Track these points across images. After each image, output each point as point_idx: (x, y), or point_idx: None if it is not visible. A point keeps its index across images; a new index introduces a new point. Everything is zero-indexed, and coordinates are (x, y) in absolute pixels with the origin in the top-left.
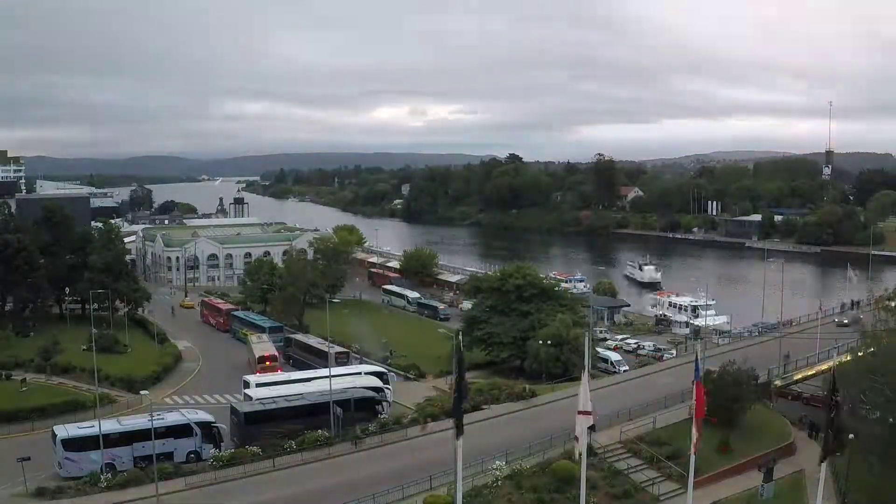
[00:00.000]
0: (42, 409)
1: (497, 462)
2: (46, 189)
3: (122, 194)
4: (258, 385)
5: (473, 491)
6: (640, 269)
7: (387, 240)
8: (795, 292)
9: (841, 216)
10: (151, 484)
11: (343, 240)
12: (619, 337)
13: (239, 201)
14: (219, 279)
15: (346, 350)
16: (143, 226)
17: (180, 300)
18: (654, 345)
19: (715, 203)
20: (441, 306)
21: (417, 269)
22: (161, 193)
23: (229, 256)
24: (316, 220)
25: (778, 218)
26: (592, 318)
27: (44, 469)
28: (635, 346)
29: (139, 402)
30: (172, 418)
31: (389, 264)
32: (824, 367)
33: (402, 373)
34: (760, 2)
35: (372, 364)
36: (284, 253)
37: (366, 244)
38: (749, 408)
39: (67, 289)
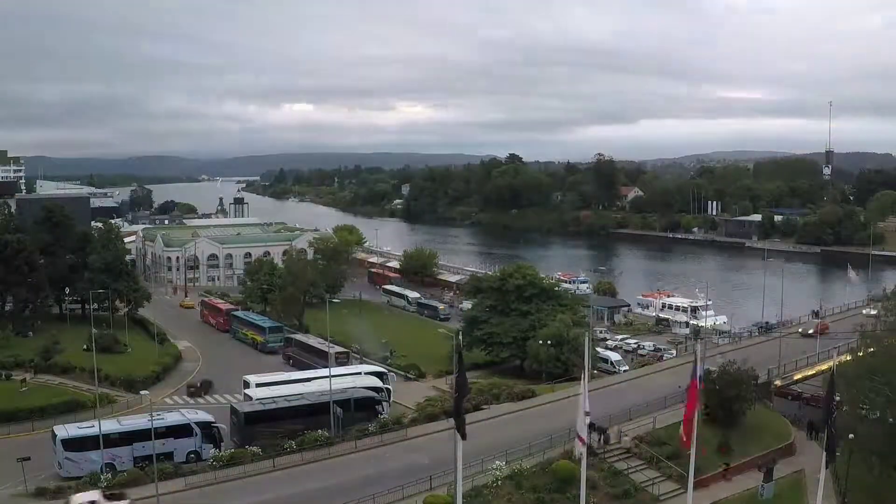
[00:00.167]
0: (42, 409)
1: (497, 462)
2: (46, 189)
3: (122, 194)
4: (258, 385)
5: (473, 491)
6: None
7: (387, 240)
8: (795, 292)
9: (841, 216)
10: (151, 484)
11: (343, 240)
12: (619, 337)
13: (239, 201)
14: (219, 279)
15: (346, 350)
16: (143, 226)
17: (180, 300)
18: (654, 345)
19: (715, 203)
20: (441, 306)
21: (417, 269)
22: (161, 193)
23: (229, 256)
24: (316, 220)
25: (778, 218)
26: (592, 318)
27: (44, 469)
28: (635, 346)
29: (139, 402)
30: (172, 418)
31: (389, 264)
32: (824, 367)
33: (402, 373)
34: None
35: (372, 364)
36: (284, 253)
37: (366, 244)
38: (749, 408)
39: (67, 289)
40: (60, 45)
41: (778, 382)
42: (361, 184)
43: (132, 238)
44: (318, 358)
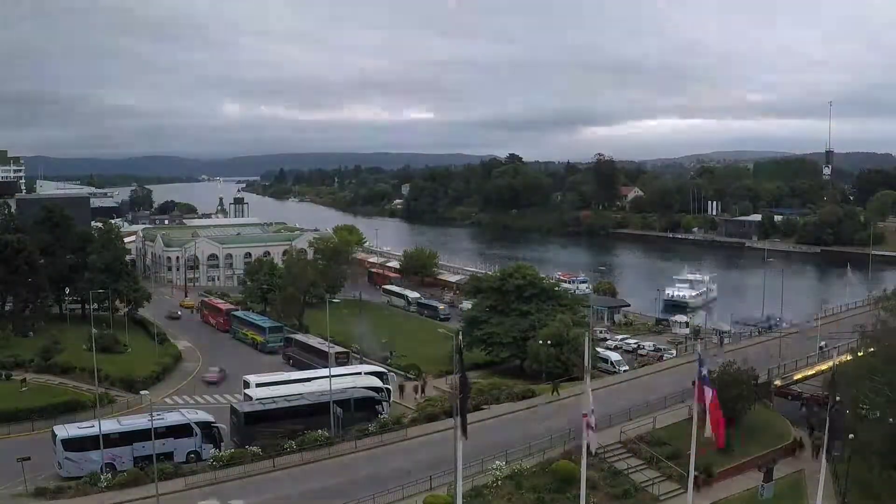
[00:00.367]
0: (42, 409)
1: (497, 462)
2: (46, 189)
3: (122, 194)
4: (258, 385)
5: (473, 491)
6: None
7: (387, 240)
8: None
9: (841, 216)
10: (151, 484)
11: (343, 240)
12: (619, 337)
13: (239, 201)
14: (219, 279)
15: (346, 350)
16: (143, 226)
17: (180, 300)
18: (654, 345)
19: (715, 203)
20: (441, 306)
21: (417, 269)
22: (161, 193)
23: (229, 256)
24: (316, 220)
25: (778, 218)
26: (592, 318)
27: (44, 469)
28: (635, 346)
29: (139, 402)
30: (172, 418)
31: (389, 264)
32: (824, 367)
33: (402, 373)
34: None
35: (372, 364)
36: (284, 253)
37: (366, 244)
38: (749, 408)
39: (67, 289)
40: (58, 43)
41: (778, 382)
42: (361, 184)
43: (132, 238)
44: (318, 358)
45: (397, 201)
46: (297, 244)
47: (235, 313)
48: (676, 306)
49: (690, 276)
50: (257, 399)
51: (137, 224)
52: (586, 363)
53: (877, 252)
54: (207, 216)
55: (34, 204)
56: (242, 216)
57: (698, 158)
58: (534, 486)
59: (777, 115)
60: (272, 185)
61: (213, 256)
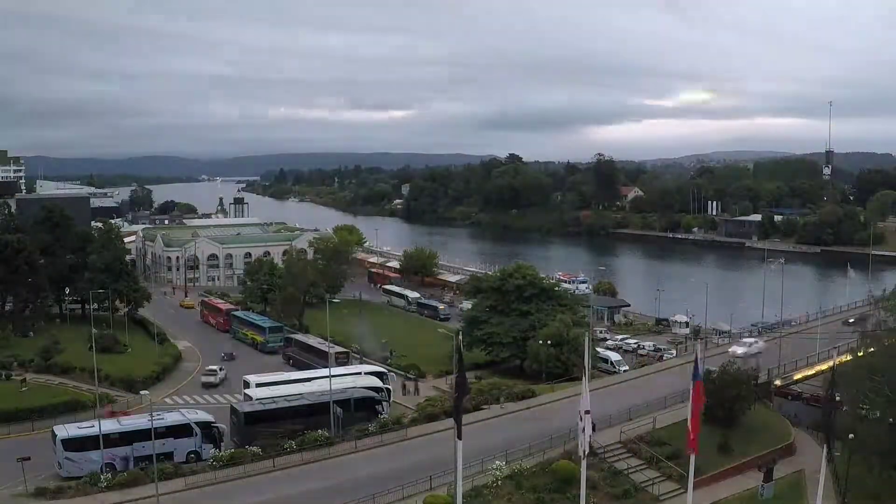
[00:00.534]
0: (42, 409)
1: (497, 462)
2: (46, 189)
3: (122, 194)
4: (258, 385)
5: (473, 491)
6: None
7: (387, 240)
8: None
9: (841, 216)
10: (151, 484)
11: (343, 240)
12: (619, 337)
13: (239, 201)
14: (219, 279)
15: (346, 350)
16: (143, 226)
17: (180, 300)
18: (654, 345)
19: (715, 203)
20: (441, 306)
21: (417, 269)
22: (161, 193)
23: (229, 256)
24: (316, 220)
25: (778, 218)
26: (592, 318)
27: (44, 469)
28: (635, 346)
29: (139, 402)
30: (172, 418)
31: (389, 264)
32: (824, 367)
33: (401, 373)
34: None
35: (372, 364)
36: (284, 253)
37: (366, 244)
38: (749, 408)
39: (67, 289)
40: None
41: (778, 382)
42: (361, 184)
43: (132, 238)
44: (318, 358)
45: (397, 201)
46: (297, 244)
47: (235, 313)
48: None
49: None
50: (257, 399)
51: (137, 224)
52: (586, 363)
53: (877, 252)
54: (207, 216)
55: (34, 204)
56: (242, 216)
57: (698, 158)
58: (534, 486)
59: (777, 115)
60: (272, 185)
61: (213, 256)
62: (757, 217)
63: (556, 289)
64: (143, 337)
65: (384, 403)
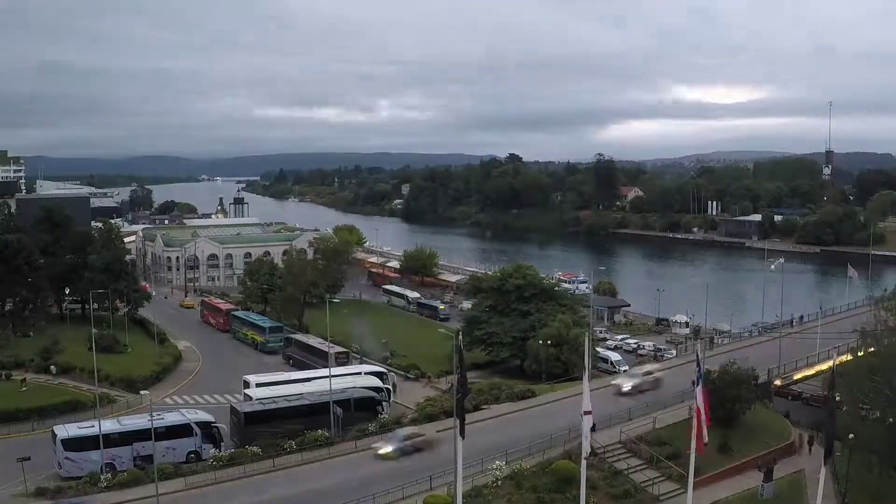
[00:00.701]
0: (42, 409)
1: (497, 462)
2: (46, 189)
3: (122, 194)
4: (258, 385)
5: (473, 491)
6: None
7: (387, 240)
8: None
9: (841, 216)
10: (151, 484)
11: (343, 240)
12: (619, 337)
13: (239, 201)
14: (219, 279)
15: (346, 350)
16: (143, 226)
17: (180, 300)
18: (653, 345)
19: (715, 203)
20: (441, 306)
21: (417, 269)
22: (161, 193)
23: (229, 256)
24: (316, 220)
25: (778, 218)
26: (592, 318)
27: (44, 469)
28: (635, 346)
29: (139, 402)
30: (172, 418)
31: (389, 264)
32: (824, 367)
33: (402, 373)
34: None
35: (372, 364)
36: (284, 253)
37: (366, 244)
38: (749, 408)
39: (67, 289)
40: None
41: (778, 382)
42: (361, 184)
43: (132, 238)
44: (318, 358)
45: (397, 201)
46: (297, 244)
47: (235, 313)
48: None
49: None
50: (257, 399)
51: (137, 224)
52: (586, 363)
53: (877, 252)
54: (207, 216)
55: (34, 204)
56: (242, 216)
57: (698, 158)
58: (534, 486)
59: (777, 115)
60: (272, 185)
61: (213, 256)
62: (757, 217)
63: (556, 289)
64: (143, 337)
65: (384, 403)
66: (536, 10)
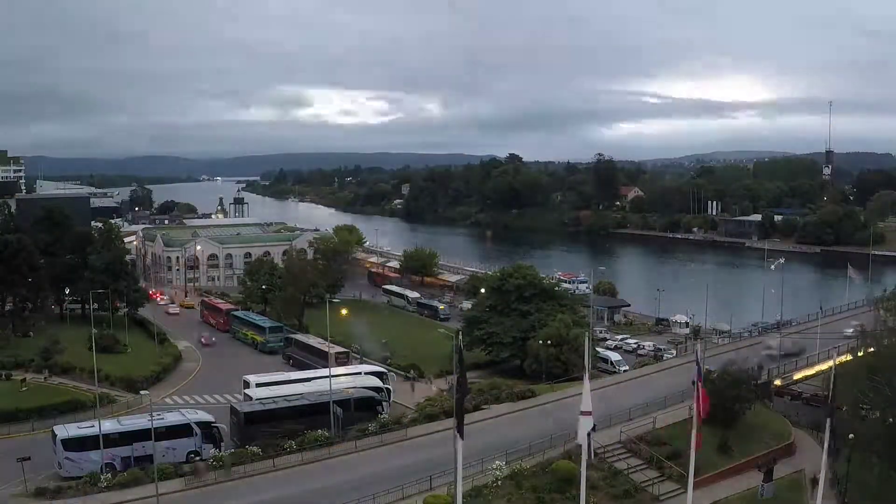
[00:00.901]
0: (42, 409)
1: (497, 462)
2: (46, 189)
3: (122, 194)
4: (258, 385)
5: (473, 491)
6: None
7: (387, 240)
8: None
9: (841, 216)
10: (151, 484)
11: (343, 240)
12: (619, 337)
13: (239, 201)
14: (219, 279)
15: (346, 350)
16: (143, 226)
17: (180, 300)
18: (653, 345)
19: (715, 203)
20: (441, 306)
21: (417, 269)
22: (161, 193)
23: (229, 256)
24: (316, 220)
25: (778, 218)
26: (592, 318)
27: (44, 469)
28: (635, 346)
29: (139, 402)
30: (172, 418)
31: (389, 264)
32: (824, 367)
33: (402, 373)
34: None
35: (372, 364)
36: (284, 253)
37: (366, 244)
38: (749, 408)
39: (67, 289)
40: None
41: (778, 382)
42: (361, 184)
43: (132, 238)
44: (318, 358)
45: (397, 201)
46: (297, 244)
47: (235, 313)
48: None
49: None
50: (257, 399)
51: (137, 224)
52: (586, 363)
53: (877, 252)
54: (207, 216)
55: (34, 204)
56: (242, 216)
57: (698, 158)
58: (534, 486)
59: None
60: (272, 185)
61: (213, 256)
62: (757, 217)
63: (556, 289)
64: (143, 337)
65: (384, 403)
66: (536, 9)
